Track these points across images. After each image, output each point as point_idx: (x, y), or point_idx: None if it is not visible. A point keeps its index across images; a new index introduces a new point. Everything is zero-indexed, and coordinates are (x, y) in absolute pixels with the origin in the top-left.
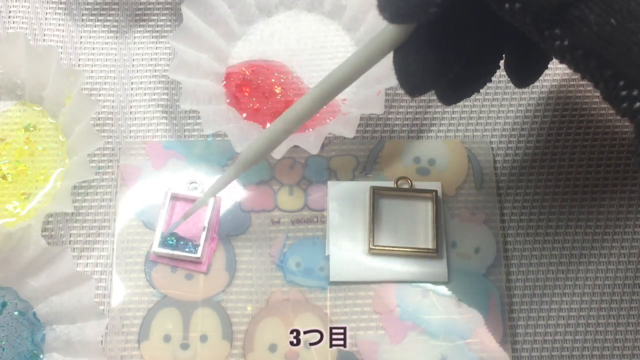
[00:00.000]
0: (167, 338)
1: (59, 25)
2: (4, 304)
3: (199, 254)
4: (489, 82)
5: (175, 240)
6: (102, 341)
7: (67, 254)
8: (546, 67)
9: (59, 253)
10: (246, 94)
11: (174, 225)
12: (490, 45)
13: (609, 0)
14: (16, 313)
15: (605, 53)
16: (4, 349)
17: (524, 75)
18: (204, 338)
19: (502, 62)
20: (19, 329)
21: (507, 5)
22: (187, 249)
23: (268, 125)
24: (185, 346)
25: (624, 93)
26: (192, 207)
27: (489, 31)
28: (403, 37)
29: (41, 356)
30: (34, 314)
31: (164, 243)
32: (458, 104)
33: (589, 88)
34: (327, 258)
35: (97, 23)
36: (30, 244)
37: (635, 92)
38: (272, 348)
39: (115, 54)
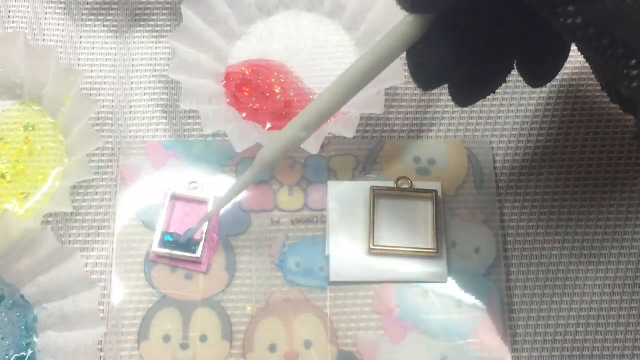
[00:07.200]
0: (167, 338)
1: (59, 25)
2: (1, 298)
3: (198, 254)
4: (504, 82)
5: (175, 241)
6: (101, 310)
7: (48, 233)
8: (561, 66)
9: (40, 233)
10: (246, 93)
11: (192, 231)
12: (505, 39)
13: None
14: (9, 301)
15: (618, 31)
16: (3, 338)
17: (537, 74)
18: (203, 338)
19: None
20: (9, 315)
21: None
22: (187, 249)
23: (268, 125)
24: (185, 346)
25: (634, 72)
26: (211, 209)
27: (504, 25)
28: (420, 32)
29: (35, 338)
30: (22, 296)
31: (163, 243)
32: None
33: (590, 88)
34: (327, 258)
35: (96, 23)
36: (7, 227)
37: None
38: (272, 348)
39: (115, 54)
